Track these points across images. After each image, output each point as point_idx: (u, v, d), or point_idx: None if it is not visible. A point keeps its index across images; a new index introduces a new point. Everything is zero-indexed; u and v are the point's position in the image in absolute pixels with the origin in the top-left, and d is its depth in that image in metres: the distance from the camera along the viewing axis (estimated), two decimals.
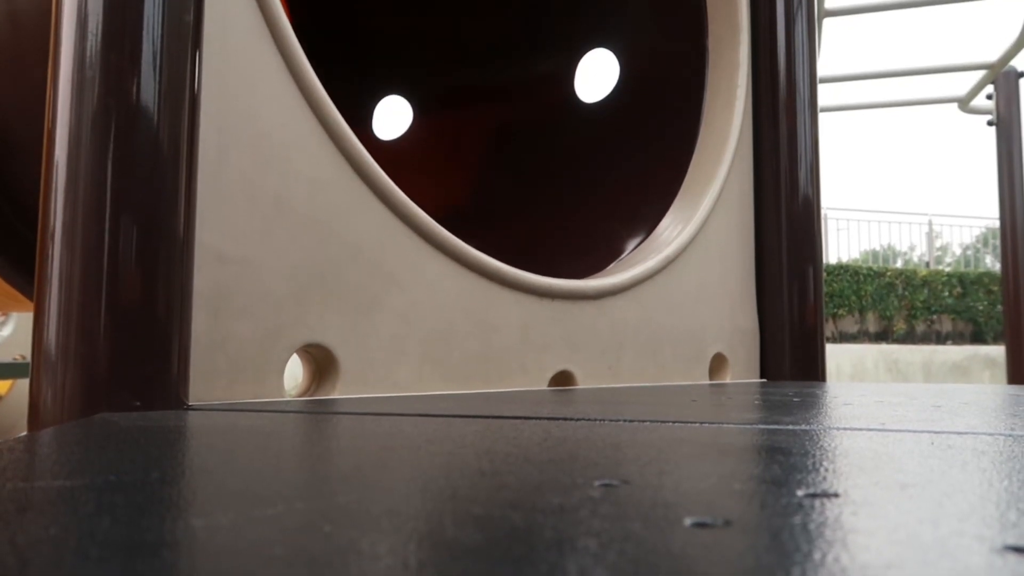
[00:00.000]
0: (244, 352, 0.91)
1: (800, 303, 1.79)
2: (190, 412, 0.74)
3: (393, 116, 2.56)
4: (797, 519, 0.28)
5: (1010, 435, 0.54)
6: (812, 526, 0.27)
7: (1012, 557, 0.23)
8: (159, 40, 0.82)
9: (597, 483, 0.35)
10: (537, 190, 2.17)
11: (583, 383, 1.34)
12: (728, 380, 1.65)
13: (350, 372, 1.03)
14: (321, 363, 1.03)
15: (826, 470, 0.37)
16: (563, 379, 1.32)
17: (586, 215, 2.00)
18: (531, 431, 0.58)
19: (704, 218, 1.63)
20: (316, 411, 0.78)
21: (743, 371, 1.71)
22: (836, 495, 0.32)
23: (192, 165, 0.86)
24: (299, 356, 1.02)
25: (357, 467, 0.42)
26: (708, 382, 1.60)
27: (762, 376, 1.77)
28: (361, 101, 2.53)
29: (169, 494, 0.32)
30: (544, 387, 1.29)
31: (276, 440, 0.54)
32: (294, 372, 1.09)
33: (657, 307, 1.51)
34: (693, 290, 1.60)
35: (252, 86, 0.96)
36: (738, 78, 1.85)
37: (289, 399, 0.96)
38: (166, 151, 0.83)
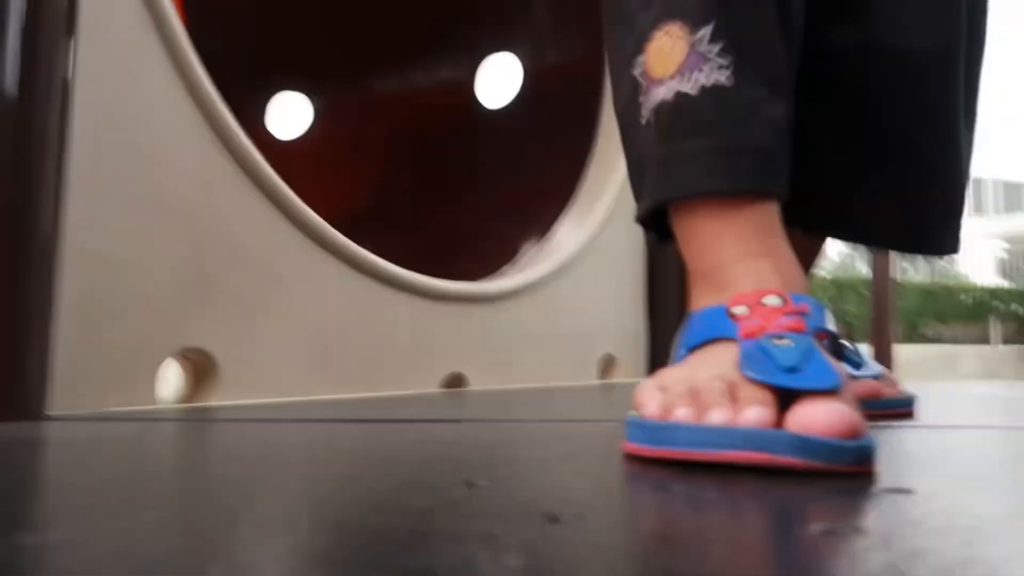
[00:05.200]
0: (115, 358, 0.87)
1: (686, 304, 1.86)
2: (50, 423, 0.70)
3: (293, 116, 2.50)
4: (646, 509, 0.29)
5: None
6: (655, 514, 0.28)
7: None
8: (25, 23, 0.78)
9: (464, 483, 0.35)
10: (437, 193, 2.17)
11: (476, 385, 1.35)
12: (617, 380, 1.70)
13: (232, 377, 1.00)
14: (201, 368, 1.00)
15: (680, 464, 0.39)
16: (456, 381, 1.33)
17: (484, 218, 2.01)
18: (412, 434, 0.58)
19: (599, 223, 1.67)
20: (190, 419, 0.75)
21: (631, 370, 1.76)
22: (680, 487, 0.34)
23: (62, 158, 0.81)
24: (177, 362, 0.98)
25: (221, 477, 0.41)
26: (598, 382, 1.64)
27: (650, 375, 1.82)
28: (257, 99, 2.45)
29: (2, 512, 0.30)
30: (436, 389, 1.29)
31: (138, 450, 0.52)
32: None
33: (550, 310, 1.53)
34: (585, 293, 1.63)
35: (134, 79, 0.92)
36: None
37: (164, 407, 0.92)
38: (33, 142, 0.79)
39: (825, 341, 0.44)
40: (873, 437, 0.36)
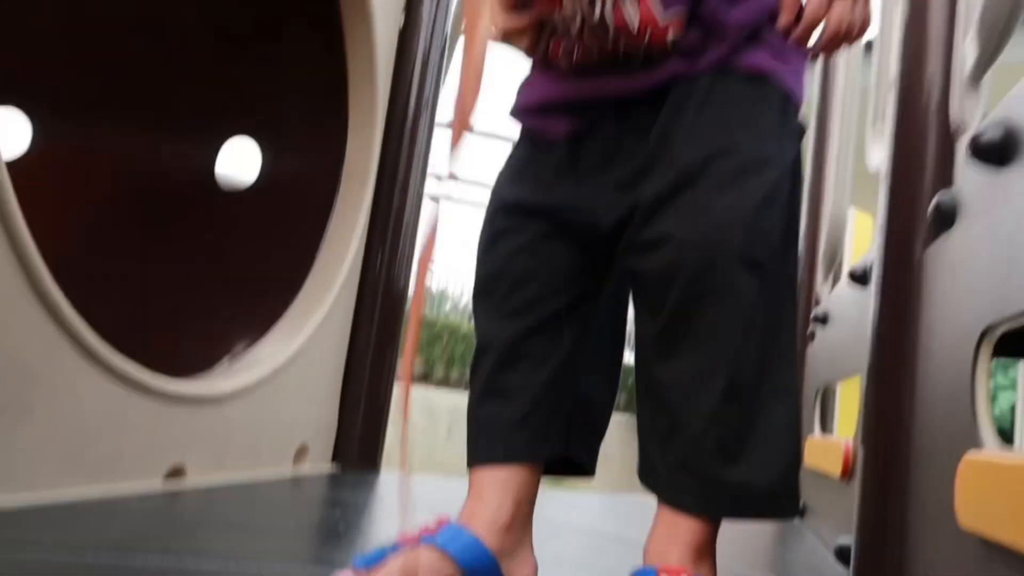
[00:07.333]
0: None
1: (374, 398, 2.15)
2: None
3: (12, 132, 2.37)
4: None
5: None
6: None
7: None
8: None
9: None
10: (159, 265, 2.16)
11: (194, 476, 1.51)
12: (306, 469, 1.94)
13: None
14: None
15: None
16: (177, 472, 1.48)
17: (204, 300, 2.07)
18: None
19: (309, 336, 1.87)
20: None
21: (319, 456, 2.02)
22: None
23: None
24: None
25: None
26: (290, 471, 1.87)
27: (334, 458, 2.09)
28: None
29: None
30: (159, 480, 1.43)
31: None
32: None
33: (258, 409, 1.71)
34: (291, 395, 1.84)
35: None
36: (362, 203, 2.12)
37: None
38: None
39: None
40: None
